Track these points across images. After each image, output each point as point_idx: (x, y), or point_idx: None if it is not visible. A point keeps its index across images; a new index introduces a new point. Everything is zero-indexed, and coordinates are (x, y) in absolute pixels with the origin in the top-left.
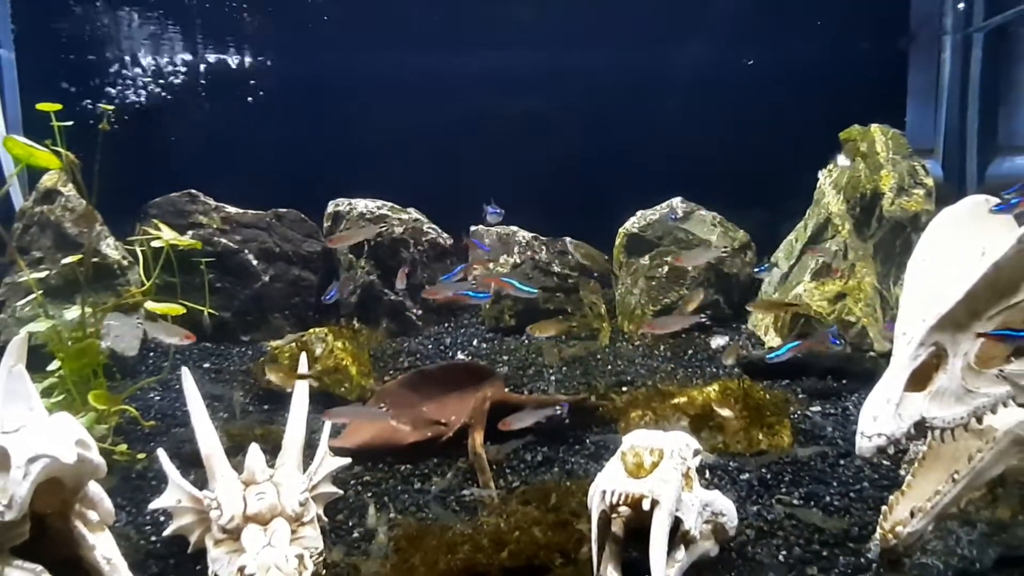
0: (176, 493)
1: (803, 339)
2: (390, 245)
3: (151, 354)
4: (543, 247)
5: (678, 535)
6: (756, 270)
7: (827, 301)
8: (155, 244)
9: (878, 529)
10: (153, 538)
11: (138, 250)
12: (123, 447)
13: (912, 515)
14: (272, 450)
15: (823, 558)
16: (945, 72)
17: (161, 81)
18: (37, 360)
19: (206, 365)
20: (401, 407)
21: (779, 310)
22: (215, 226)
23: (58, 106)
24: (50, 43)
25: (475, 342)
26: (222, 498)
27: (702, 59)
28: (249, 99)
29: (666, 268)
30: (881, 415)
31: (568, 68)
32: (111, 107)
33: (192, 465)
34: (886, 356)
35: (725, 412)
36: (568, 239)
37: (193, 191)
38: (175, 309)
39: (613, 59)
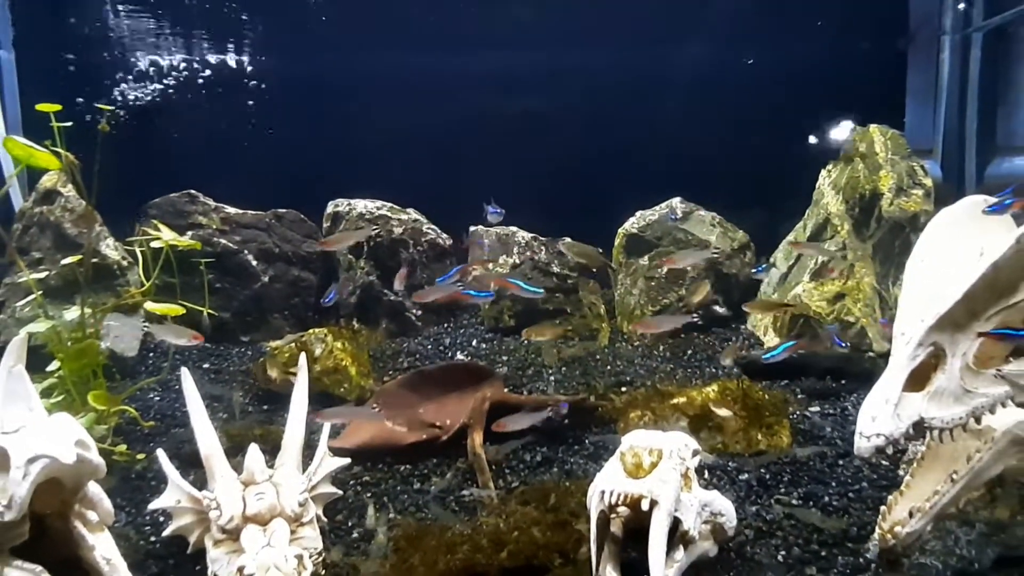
0: (175, 493)
1: (799, 339)
2: (389, 245)
3: (151, 355)
4: (542, 247)
5: (677, 535)
6: (754, 271)
7: (826, 301)
8: (155, 245)
9: (877, 529)
10: (152, 538)
11: (138, 251)
12: (123, 447)
13: (911, 515)
14: (271, 450)
15: (822, 558)
16: (944, 72)
17: (160, 81)
18: (37, 360)
19: (205, 365)
20: (400, 407)
21: (776, 310)
22: (215, 226)
23: (57, 107)
24: (50, 44)
25: (474, 342)
26: (221, 498)
27: (702, 59)
28: (249, 99)
29: (665, 268)
30: (880, 415)
31: (568, 68)
32: (110, 107)
33: (191, 465)
34: (885, 356)
35: (723, 412)
36: (567, 240)
37: (192, 191)
38: (175, 310)
39: (613, 59)
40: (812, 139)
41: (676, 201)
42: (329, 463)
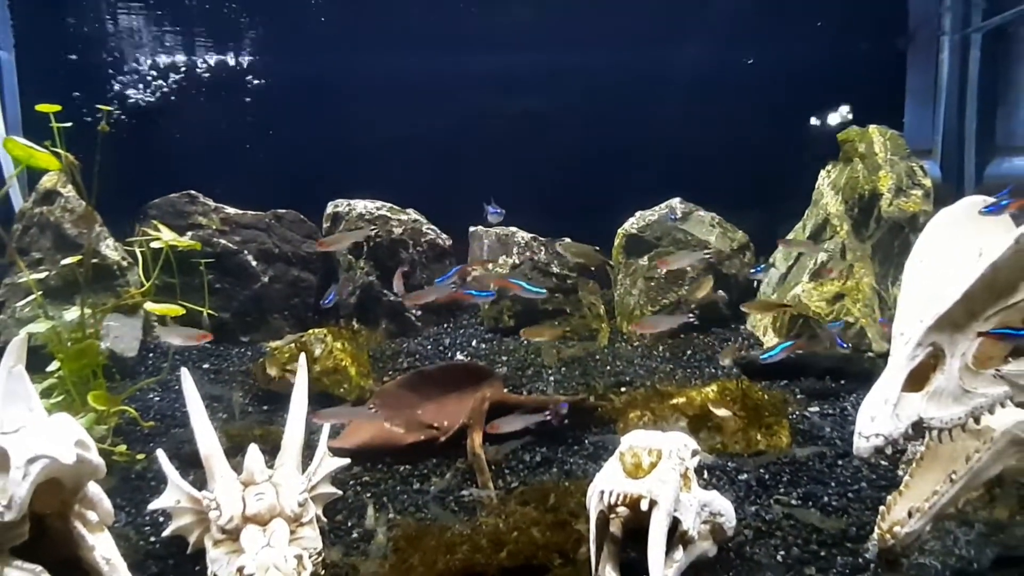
0: (175, 494)
1: (798, 339)
2: (389, 246)
3: (150, 355)
4: (542, 248)
5: (676, 535)
6: (752, 271)
7: (825, 302)
8: (154, 245)
9: (876, 529)
10: (152, 538)
11: (137, 251)
12: (122, 448)
13: (910, 515)
14: (271, 451)
15: (821, 558)
16: (943, 73)
17: (160, 82)
18: (37, 361)
19: (205, 366)
20: (400, 408)
21: (773, 311)
22: (214, 227)
23: (57, 107)
24: (49, 44)
25: (474, 343)
26: (221, 499)
27: (701, 59)
28: (248, 100)
29: (664, 269)
30: (879, 415)
31: (567, 68)
32: (110, 108)
33: (191, 466)
34: (884, 356)
35: (721, 412)
36: (566, 240)
37: (192, 192)
38: (175, 310)
39: (612, 59)
40: (812, 139)
41: (676, 201)
42: (329, 463)
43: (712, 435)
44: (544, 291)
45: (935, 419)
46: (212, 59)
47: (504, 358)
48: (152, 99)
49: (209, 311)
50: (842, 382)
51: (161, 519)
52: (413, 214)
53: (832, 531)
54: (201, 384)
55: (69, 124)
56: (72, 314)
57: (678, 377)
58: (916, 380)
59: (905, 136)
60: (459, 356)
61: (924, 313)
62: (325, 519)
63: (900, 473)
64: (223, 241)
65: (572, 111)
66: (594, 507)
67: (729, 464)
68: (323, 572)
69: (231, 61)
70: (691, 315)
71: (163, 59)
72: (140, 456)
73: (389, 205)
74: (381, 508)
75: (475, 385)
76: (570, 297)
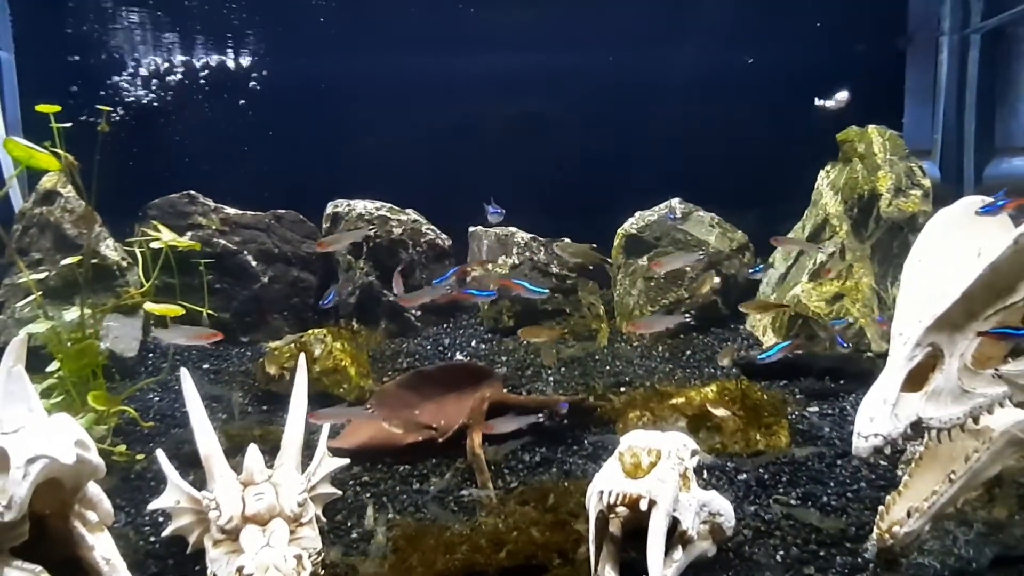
0: (175, 494)
1: (796, 339)
2: (389, 246)
3: (150, 355)
4: (541, 248)
5: (676, 535)
6: (751, 272)
7: (824, 302)
8: (154, 245)
9: (875, 529)
10: (152, 539)
11: (137, 251)
12: (122, 448)
13: (909, 515)
14: (271, 451)
15: (820, 558)
16: (943, 73)
17: (160, 82)
18: (37, 361)
19: (205, 366)
20: (399, 408)
21: (772, 311)
22: (214, 227)
23: (57, 108)
24: (50, 44)
25: (474, 343)
26: (221, 499)
27: (701, 60)
28: (248, 100)
29: (659, 270)
30: (878, 415)
31: (567, 69)
32: (110, 108)
33: (191, 466)
34: (883, 356)
35: (720, 412)
36: (564, 240)
37: (192, 192)
38: (174, 310)
39: (612, 60)
40: (811, 140)
41: (675, 201)
42: (328, 463)
43: (711, 435)
44: (546, 291)
45: (934, 419)
46: (212, 59)
47: (504, 358)
48: (152, 99)
49: (209, 311)
50: (841, 382)
51: (161, 519)
52: (413, 214)
53: (831, 531)
54: (201, 384)
55: (69, 124)
56: (72, 314)
57: (677, 377)
58: (915, 380)
59: (904, 136)
60: (459, 356)
61: (923, 313)
62: (324, 519)
63: (899, 473)
64: (223, 241)
65: (572, 111)
66: (593, 507)
67: (728, 464)
68: (322, 572)
69: (231, 61)
70: (687, 315)
71: (163, 59)
72: (140, 456)
73: (389, 205)
74: (380, 508)
75: (475, 385)
76: (570, 297)
